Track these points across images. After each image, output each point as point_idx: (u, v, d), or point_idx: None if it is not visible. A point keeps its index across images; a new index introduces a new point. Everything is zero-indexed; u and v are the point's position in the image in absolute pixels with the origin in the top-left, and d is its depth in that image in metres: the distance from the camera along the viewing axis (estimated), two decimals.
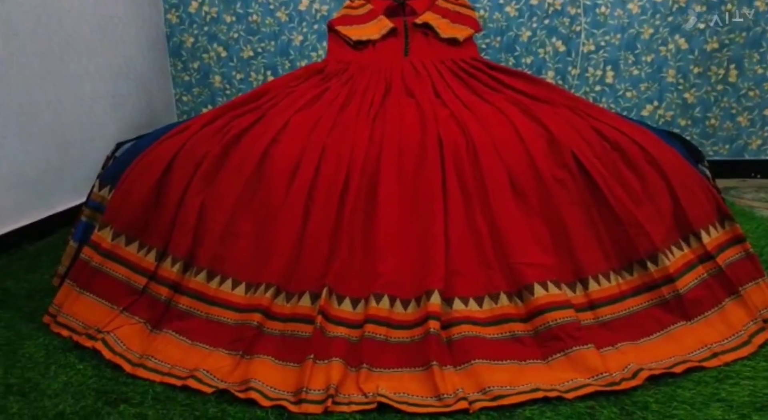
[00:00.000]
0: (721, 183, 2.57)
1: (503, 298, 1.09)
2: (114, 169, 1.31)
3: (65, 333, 1.16)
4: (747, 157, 2.66)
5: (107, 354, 1.07)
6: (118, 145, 1.37)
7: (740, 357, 1.05)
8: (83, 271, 1.21)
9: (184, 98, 2.78)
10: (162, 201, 1.23)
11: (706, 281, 1.14)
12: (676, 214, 1.18)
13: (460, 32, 1.58)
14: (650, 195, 1.18)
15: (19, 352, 1.12)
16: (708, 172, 1.29)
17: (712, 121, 2.64)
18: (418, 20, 1.59)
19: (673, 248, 1.16)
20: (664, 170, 1.19)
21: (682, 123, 2.65)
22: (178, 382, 0.99)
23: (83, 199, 1.36)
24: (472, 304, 1.08)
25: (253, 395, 0.94)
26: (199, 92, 2.77)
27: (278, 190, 1.18)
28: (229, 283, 1.14)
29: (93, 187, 1.32)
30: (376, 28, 1.59)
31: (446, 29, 1.57)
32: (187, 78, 2.75)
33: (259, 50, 2.69)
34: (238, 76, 2.73)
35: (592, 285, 1.12)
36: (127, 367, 1.04)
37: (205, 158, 1.23)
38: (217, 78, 2.74)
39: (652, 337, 1.08)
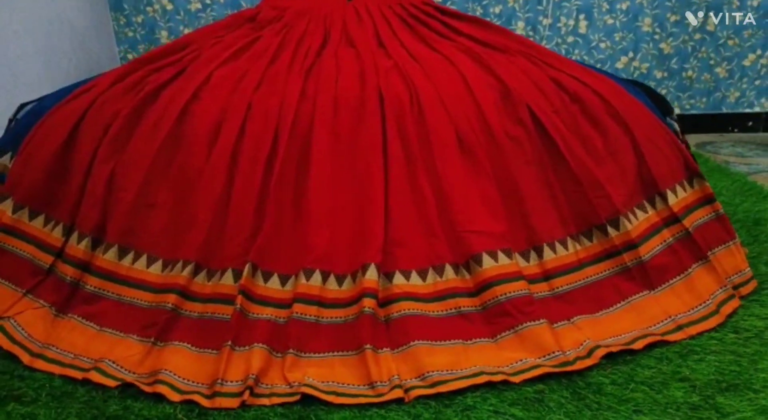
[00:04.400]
0: (698, 138, 2.47)
1: (449, 271, 0.98)
2: (14, 133, 1.15)
3: None
4: (725, 110, 2.56)
5: (5, 343, 0.95)
6: (21, 107, 1.21)
7: (707, 329, 0.96)
8: None
9: (129, 56, 2.58)
10: (68, 169, 1.08)
11: (672, 246, 1.04)
12: (641, 172, 1.07)
13: None
14: (612, 152, 1.07)
15: None
16: (676, 126, 1.18)
17: (689, 72, 2.51)
18: None
19: (637, 211, 1.05)
20: (627, 124, 1.08)
21: (658, 75, 2.52)
22: (79, 375, 0.88)
23: None
24: (415, 278, 0.97)
25: (161, 389, 0.83)
26: (145, 49, 2.56)
27: (198, 154, 1.04)
28: (143, 259, 1.01)
29: None
30: None
31: None
32: (131, 34, 2.55)
33: (208, 2, 2.49)
34: (186, 31, 2.53)
35: (548, 253, 1.02)
36: (25, 358, 0.92)
37: (115, 119, 1.08)
38: (164, 33, 2.54)
39: (611, 309, 0.99)
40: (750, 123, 2.56)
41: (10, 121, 1.21)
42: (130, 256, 1.02)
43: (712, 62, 2.49)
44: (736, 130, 2.57)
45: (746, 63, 2.48)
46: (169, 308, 0.94)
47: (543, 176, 1.05)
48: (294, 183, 1.03)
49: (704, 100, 2.55)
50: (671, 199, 1.06)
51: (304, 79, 1.13)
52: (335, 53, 1.19)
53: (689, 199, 1.09)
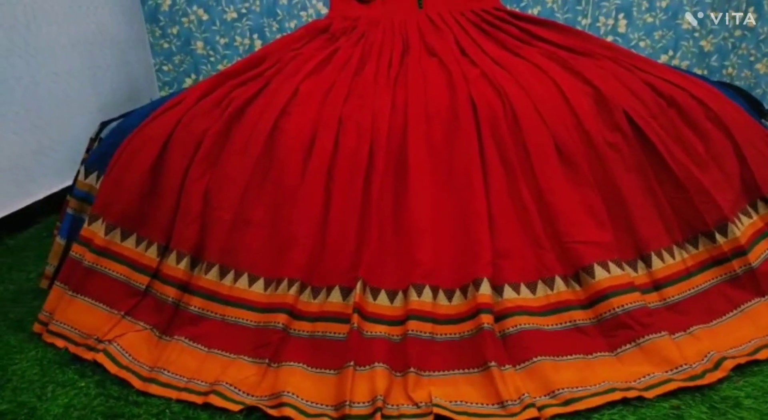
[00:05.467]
0: None
1: (559, 283, 0.96)
2: (100, 153, 1.14)
3: (60, 343, 1.02)
4: (766, 106, 2.53)
5: (112, 368, 0.94)
6: (103, 125, 1.20)
7: None
8: (75, 271, 1.06)
9: (165, 67, 2.57)
10: (159, 188, 1.07)
11: None
12: (744, 177, 1.05)
13: None
14: (715, 157, 1.05)
15: (9, 370, 0.98)
16: None
17: (730, 69, 2.49)
18: None
19: (741, 216, 1.04)
20: (728, 128, 1.06)
21: (698, 72, 2.50)
22: (199, 400, 0.86)
23: (66, 183, 1.19)
24: (525, 291, 0.96)
25: (289, 412, 0.82)
26: (180, 60, 2.56)
27: (293, 170, 1.03)
28: (245, 278, 1.00)
29: (77, 174, 1.16)
30: None
31: None
32: (166, 45, 2.54)
33: (244, 11, 2.48)
34: (222, 41, 2.52)
35: (656, 262, 1.00)
36: (137, 383, 0.91)
37: (206, 136, 1.06)
38: (200, 44, 2.53)
39: (724, 318, 0.97)
40: None
41: (92, 140, 1.19)
42: (230, 276, 1.00)
43: (752, 58, 2.47)
44: None
45: None
46: (280, 327, 0.93)
47: (645, 183, 1.03)
48: (393, 196, 1.02)
49: None
50: None
51: (392, 89, 1.11)
52: (419, 62, 1.18)
53: None
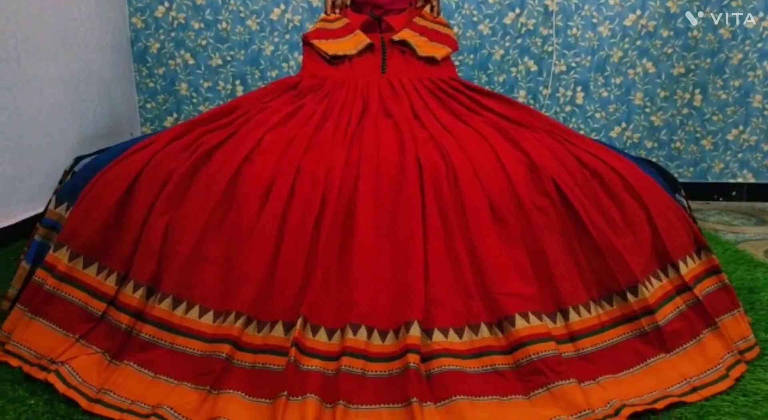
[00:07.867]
0: None
1: (484, 330, 1.06)
2: (72, 186, 1.23)
3: (15, 362, 1.08)
4: (710, 179, 2.72)
5: (61, 387, 0.99)
6: (77, 160, 1.29)
7: (719, 391, 1.04)
8: (36, 294, 1.13)
9: (148, 105, 2.68)
10: (124, 221, 1.15)
11: (684, 313, 1.13)
12: (655, 244, 1.18)
13: (438, 51, 1.55)
14: (630, 224, 1.17)
15: None
16: (685, 202, 1.29)
17: (678, 143, 2.69)
18: (396, 37, 1.56)
19: (652, 279, 1.15)
20: (643, 199, 1.19)
21: (649, 145, 2.69)
22: None
23: (39, 210, 1.27)
24: (452, 336, 1.05)
25: None
26: (164, 100, 2.67)
27: (250, 213, 1.12)
28: (195, 310, 1.07)
29: (48, 203, 1.24)
30: (353, 42, 1.55)
31: (424, 47, 1.55)
32: (152, 85, 2.66)
33: (228, 58, 2.63)
34: (206, 85, 2.65)
35: (573, 316, 1.10)
36: (83, 403, 0.97)
37: (172, 176, 1.16)
38: (184, 85, 2.65)
39: (632, 370, 1.07)
40: (733, 193, 2.72)
41: (66, 172, 1.28)
42: (183, 306, 1.08)
43: (698, 135, 2.67)
44: (720, 198, 2.73)
45: (730, 137, 2.67)
46: (223, 357, 1.00)
47: (567, 244, 1.15)
48: (339, 243, 1.11)
49: (691, 169, 2.72)
50: (682, 269, 1.17)
51: (348, 146, 1.23)
52: (375, 122, 1.30)
53: (698, 270, 1.19)
